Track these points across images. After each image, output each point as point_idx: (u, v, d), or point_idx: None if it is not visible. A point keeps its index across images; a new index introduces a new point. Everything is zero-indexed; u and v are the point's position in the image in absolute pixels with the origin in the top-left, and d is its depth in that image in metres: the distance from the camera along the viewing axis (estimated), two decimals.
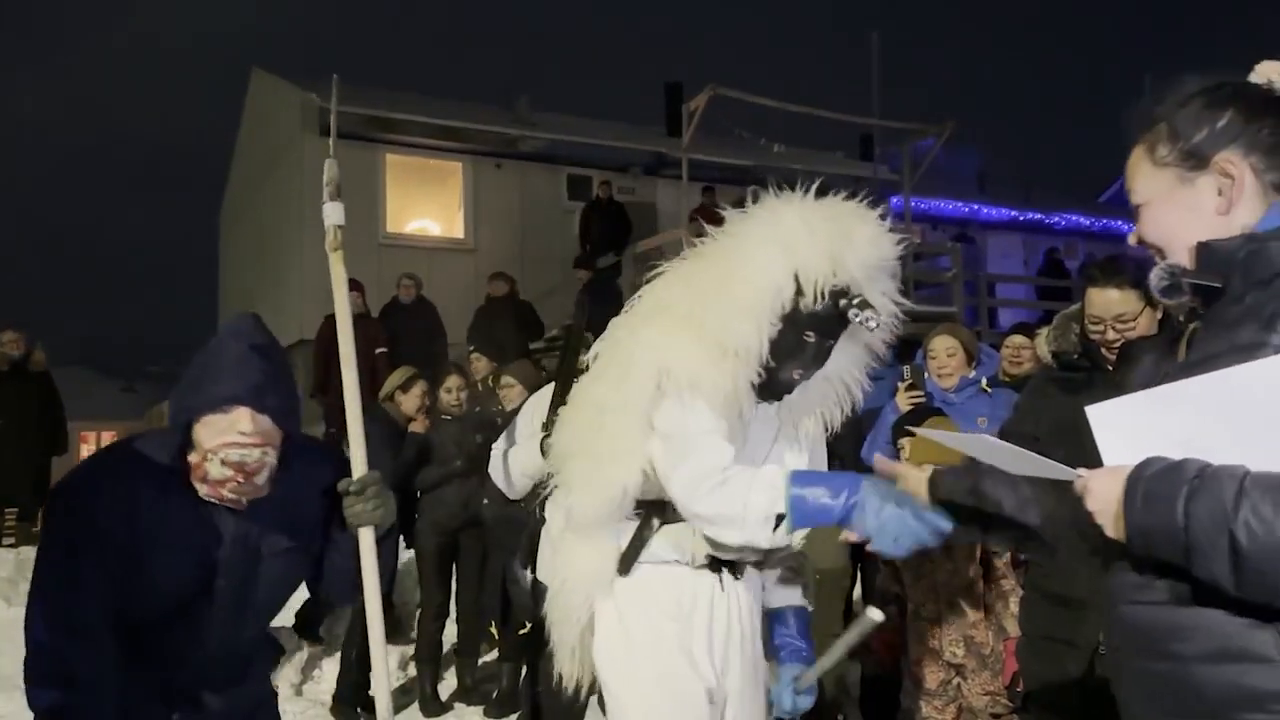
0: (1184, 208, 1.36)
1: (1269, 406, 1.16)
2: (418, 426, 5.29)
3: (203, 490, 1.97)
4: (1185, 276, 1.35)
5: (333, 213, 2.32)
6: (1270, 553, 1.09)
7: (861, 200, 2.04)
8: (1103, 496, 1.25)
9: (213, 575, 2.00)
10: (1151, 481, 1.19)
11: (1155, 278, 1.38)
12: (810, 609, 2.31)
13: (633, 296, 2.12)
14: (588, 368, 2.15)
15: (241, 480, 1.93)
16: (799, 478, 1.83)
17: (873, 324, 1.91)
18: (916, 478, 1.73)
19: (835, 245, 1.92)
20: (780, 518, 1.80)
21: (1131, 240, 1.45)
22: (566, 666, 2.19)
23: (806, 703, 2.13)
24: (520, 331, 10.32)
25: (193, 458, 1.95)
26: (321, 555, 2.16)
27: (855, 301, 1.91)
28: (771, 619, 2.24)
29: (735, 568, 2.11)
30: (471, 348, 8.77)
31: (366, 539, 2.05)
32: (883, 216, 2.02)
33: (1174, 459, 1.20)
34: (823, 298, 1.92)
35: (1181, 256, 1.38)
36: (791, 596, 2.27)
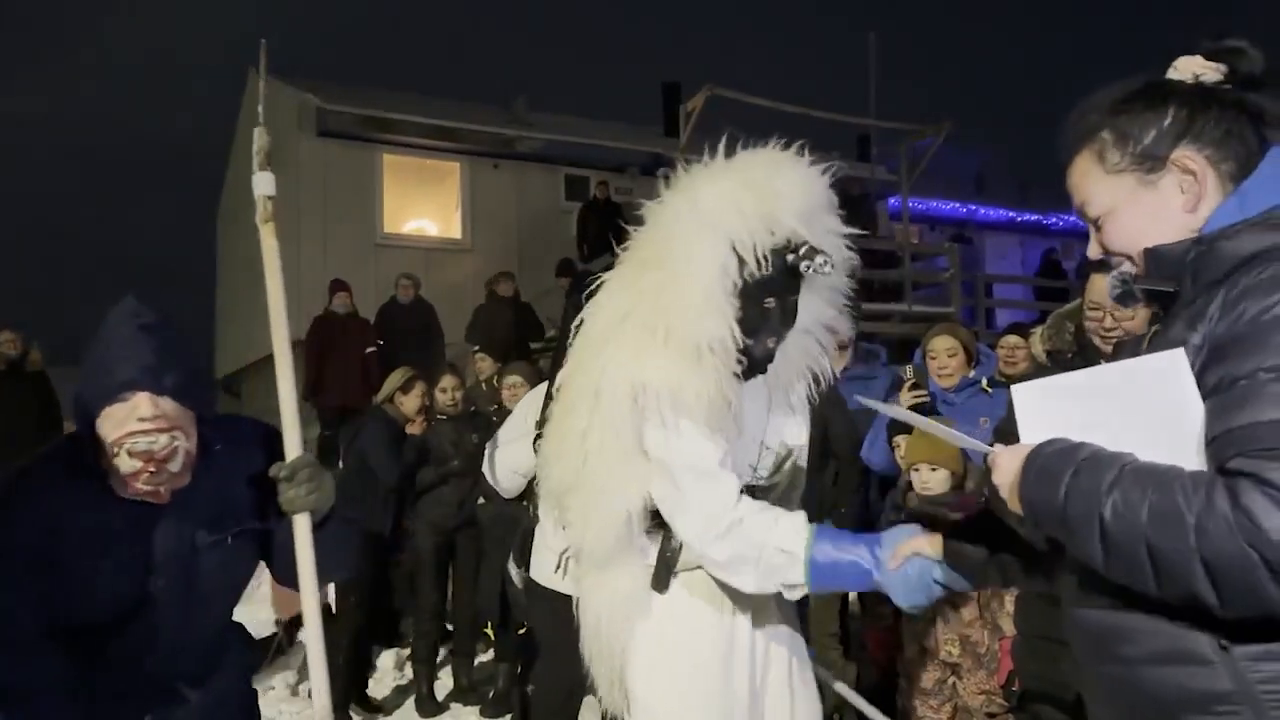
0: (1149, 211, 1.33)
1: (1152, 397, 1.20)
2: (415, 428, 5.29)
3: (125, 490, 1.87)
4: (1137, 283, 1.35)
5: (262, 183, 2.17)
6: (1130, 535, 1.12)
7: (775, 143, 1.96)
8: (1006, 469, 1.29)
9: (147, 575, 1.92)
10: (1047, 459, 1.24)
11: (1109, 285, 1.38)
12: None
13: (576, 316, 2.03)
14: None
15: (153, 470, 1.83)
16: (822, 535, 1.79)
17: (826, 268, 1.86)
18: (930, 540, 1.73)
19: (763, 205, 1.85)
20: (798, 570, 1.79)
21: (1092, 253, 1.42)
22: (608, 698, 2.05)
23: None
24: (520, 332, 10.33)
25: (104, 458, 1.85)
26: (269, 539, 2.05)
27: (802, 253, 1.85)
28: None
29: None
30: (476, 347, 8.76)
31: (302, 525, 1.95)
32: (802, 149, 1.94)
33: (1076, 441, 1.24)
34: (767, 261, 1.85)
35: None
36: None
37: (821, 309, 2.03)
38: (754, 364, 1.95)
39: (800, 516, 1.85)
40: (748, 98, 11.70)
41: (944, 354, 3.92)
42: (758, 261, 1.85)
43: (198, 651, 2.05)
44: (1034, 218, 19.05)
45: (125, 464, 1.82)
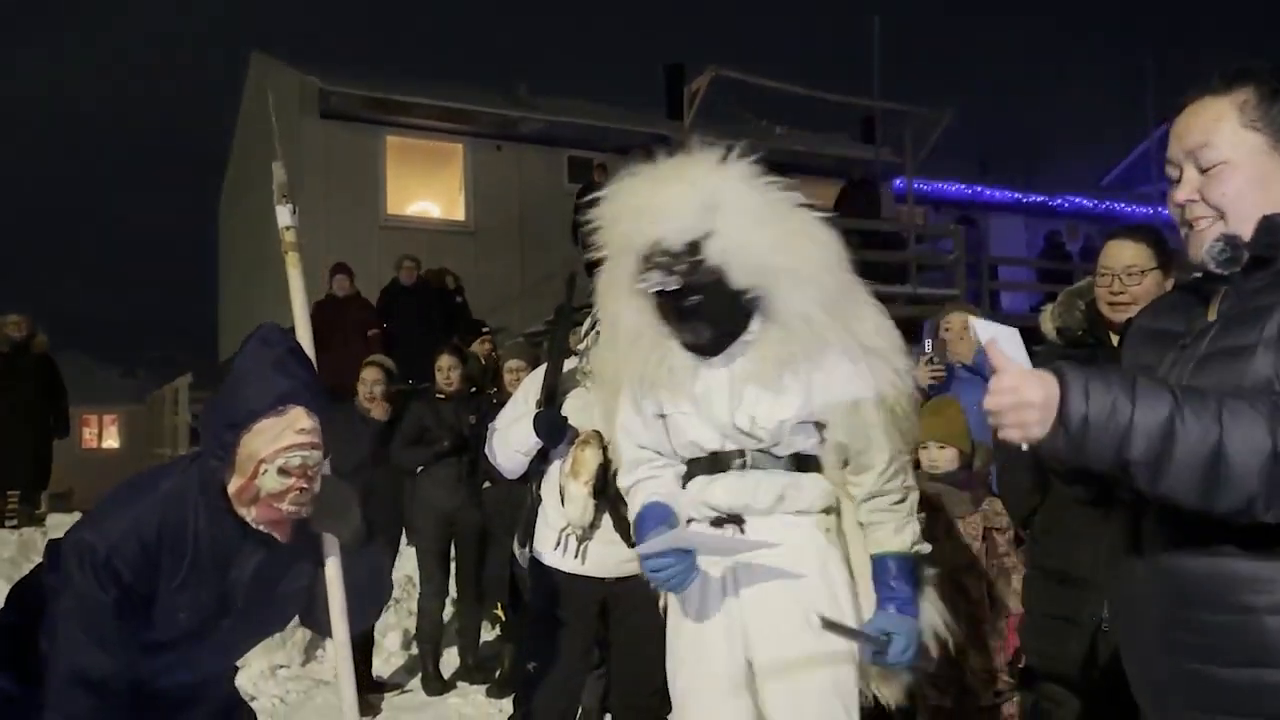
0: (1265, 177, 1.33)
1: None
2: (377, 412, 5.18)
3: (252, 515, 1.81)
4: (1248, 249, 1.33)
5: (282, 215, 2.25)
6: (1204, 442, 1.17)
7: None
8: (1039, 393, 1.22)
9: (223, 612, 1.87)
10: (1093, 379, 1.22)
11: (1214, 248, 1.35)
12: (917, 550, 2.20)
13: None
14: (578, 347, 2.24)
15: (304, 486, 1.77)
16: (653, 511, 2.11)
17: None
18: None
19: (637, 220, 2.03)
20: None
21: (1183, 195, 1.39)
22: None
23: (896, 657, 2.04)
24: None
25: (235, 483, 1.79)
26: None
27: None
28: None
29: (740, 521, 2.06)
30: (485, 329, 8.72)
31: (331, 556, 1.93)
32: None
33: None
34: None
35: (1242, 227, 1.35)
36: (881, 542, 2.13)
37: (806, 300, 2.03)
38: (698, 350, 2.06)
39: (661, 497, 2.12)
40: (752, 79, 11.65)
41: (959, 326, 3.96)
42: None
43: (217, 675, 2.05)
44: (1040, 199, 18.96)
45: (271, 482, 1.76)
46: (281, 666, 5.31)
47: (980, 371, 3.89)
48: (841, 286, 2.09)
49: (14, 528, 7.46)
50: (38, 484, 8.14)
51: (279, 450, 1.75)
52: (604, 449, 2.81)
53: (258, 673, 5.11)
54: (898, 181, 15.06)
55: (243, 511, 1.81)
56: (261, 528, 1.83)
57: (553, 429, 2.95)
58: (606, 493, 2.85)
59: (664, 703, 3.31)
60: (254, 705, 2.72)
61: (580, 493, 2.85)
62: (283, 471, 1.76)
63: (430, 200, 13.76)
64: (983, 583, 3.16)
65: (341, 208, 12.47)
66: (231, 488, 1.80)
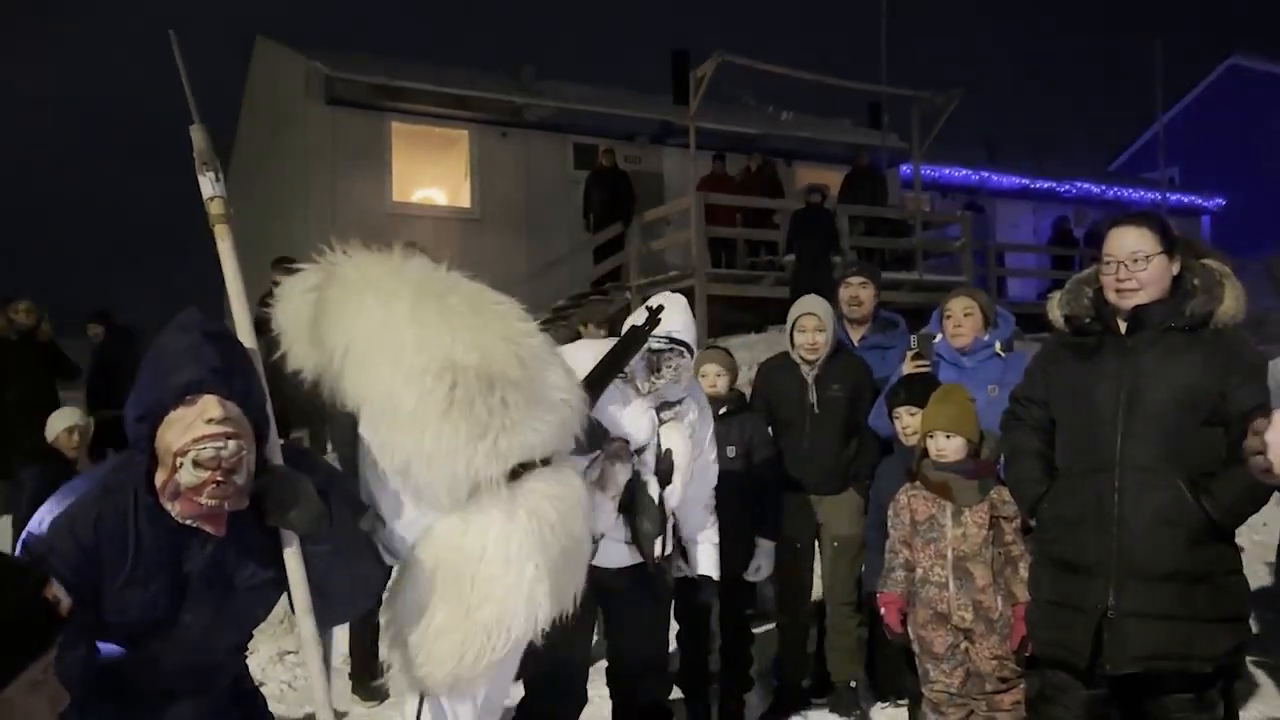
0: None
1: None
2: None
3: (176, 510, 1.73)
4: None
5: (205, 185, 2.09)
6: None
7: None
8: None
9: (180, 605, 1.80)
10: None
11: None
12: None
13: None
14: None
15: (220, 479, 1.69)
16: None
17: None
18: None
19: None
20: None
21: None
22: None
23: None
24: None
25: (159, 476, 1.72)
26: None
27: None
28: None
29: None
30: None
31: (291, 546, 1.87)
32: None
33: None
34: None
35: None
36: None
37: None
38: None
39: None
40: (758, 64, 11.58)
41: (960, 313, 3.86)
42: None
43: (205, 668, 1.96)
44: (1047, 185, 18.87)
45: (189, 476, 1.69)
46: (289, 652, 5.33)
47: (957, 362, 3.84)
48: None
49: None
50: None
51: (190, 442, 1.67)
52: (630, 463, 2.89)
53: (266, 658, 5.14)
54: (904, 167, 15.01)
55: (168, 506, 1.74)
56: (189, 522, 1.75)
57: (593, 433, 3.00)
58: (633, 508, 2.93)
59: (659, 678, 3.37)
60: (262, 690, 2.73)
61: (608, 506, 2.89)
62: (197, 464, 1.67)
63: (436, 187, 13.73)
64: (990, 571, 3.16)
65: (347, 194, 12.47)
66: (157, 482, 1.73)
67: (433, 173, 13.62)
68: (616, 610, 3.15)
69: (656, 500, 2.93)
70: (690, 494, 3.11)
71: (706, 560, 3.28)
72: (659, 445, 2.96)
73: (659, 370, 2.90)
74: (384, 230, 12.11)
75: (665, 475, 2.96)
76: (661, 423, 2.97)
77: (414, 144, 13.34)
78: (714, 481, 3.26)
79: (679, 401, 3.03)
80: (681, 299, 3.07)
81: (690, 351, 2.96)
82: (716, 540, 3.29)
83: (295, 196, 12.96)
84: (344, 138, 12.67)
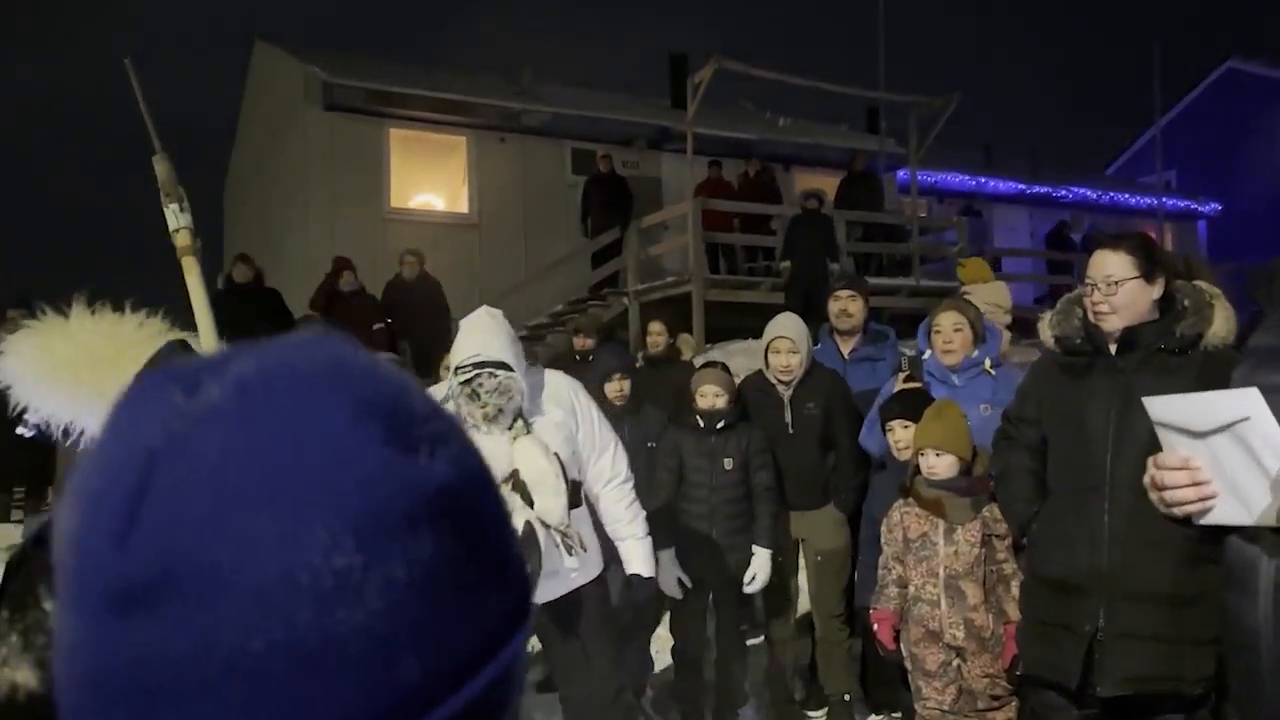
0: None
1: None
2: None
3: None
4: None
5: (170, 217, 1.99)
6: None
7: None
8: None
9: None
10: None
11: None
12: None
13: None
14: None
15: None
16: None
17: None
18: None
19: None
20: None
21: None
22: None
23: None
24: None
25: None
26: None
27: None
28: None
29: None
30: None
31: None
32: None
33: None
34: None
35: None
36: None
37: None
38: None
39: None
40: (755, 70, 11.59)
41: (949, 329, 3.80)
42: None
43: None
44: (1044, 190, 18.89)
45: None
46: None
47: (947, 379, 3.82)
48: None
49: (20, 522, 7.48)
50: (43, 479, 8.16)
51: None
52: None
53: None
54: (901, 172, 15.01)
55: None
56: None
57: None
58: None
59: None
60: None
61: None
62: None
63: (434, 193, 13.73)
64: (982, 589, 3.17)
65: (345, 201, 12.47)
66: None
67: (431, 178, 13.63)
68: (553, 646, 3.09)
69: (523, 529, 2.69)
70: (599, 493, 3.07)
71: (636, 557, 3.15)
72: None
73: (478, 397, 2.80)
74: (382, 237, 12.17)
75: (525, 497, 2.77)
76: (514, 439, 2.82)
77: (412, 149, 13.34)
78: (624, 472, 3.13)
79: (531, 412, 2.91)
80: (474, 318, 2.94)
81: (502, 365, 2.81)
82: (642, 534, 3.16)
83: (294, 201, 12.96)
84: (342, 143, 12.67)
